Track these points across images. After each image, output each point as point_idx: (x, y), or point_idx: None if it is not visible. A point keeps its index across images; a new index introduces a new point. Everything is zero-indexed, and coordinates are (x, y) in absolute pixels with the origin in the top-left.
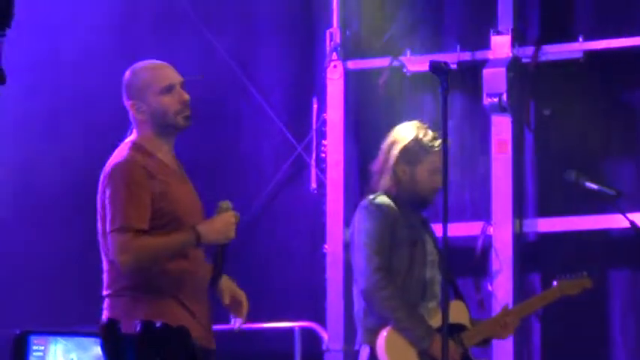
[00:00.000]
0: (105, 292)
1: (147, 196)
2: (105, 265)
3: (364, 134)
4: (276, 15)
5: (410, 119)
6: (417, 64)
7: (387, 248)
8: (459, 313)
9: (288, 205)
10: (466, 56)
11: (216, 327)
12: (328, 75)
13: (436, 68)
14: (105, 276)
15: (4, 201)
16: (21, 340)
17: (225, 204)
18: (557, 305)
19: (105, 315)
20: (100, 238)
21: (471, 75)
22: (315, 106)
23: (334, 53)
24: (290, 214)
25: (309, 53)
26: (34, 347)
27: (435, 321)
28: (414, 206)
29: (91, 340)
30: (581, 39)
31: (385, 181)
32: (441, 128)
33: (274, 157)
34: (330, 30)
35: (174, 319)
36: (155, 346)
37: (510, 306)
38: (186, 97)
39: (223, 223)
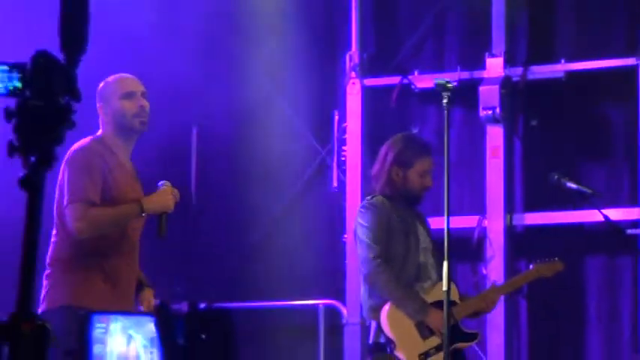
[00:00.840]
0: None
1: (99, 176)
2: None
3: (378, 141)
4: (304, 38)
5: (417, 129)
6: (423, 81)
7: (383, 238)
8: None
9: (313, 202)
10: (465, 75)
11: (252, 304)
12: (348, 91)
13: (440, 85)
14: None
15: None
16: (85, 319)
17: (166, 183)
18: (541, 288)
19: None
20: (55, 215)
21: (469, 91)
22: (336, 117)
23: (353, 72)
24: (315, 209)
25: (332, 72)
26: (97, 325)
27: (429, 297)
28: (408, 203)
29: (147, 318)
30: (563, 61)
31: (381, 183)
32: (444, 136)
33: (301, 160)
34: (350, 53)
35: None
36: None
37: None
38: (145, 104)
39: (162, 196)
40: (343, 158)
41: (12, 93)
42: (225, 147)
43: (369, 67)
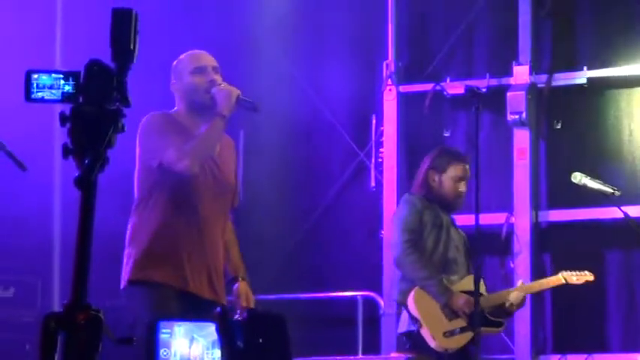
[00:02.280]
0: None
1: (175, 130)
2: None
3: (413, 144)
4: (343, 47)
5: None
6: (454, 88)
7: (415, 229)
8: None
9: (353, 200)
10: (493, 82)
11: (296, 295)
12: (384, 97)
13: (470, 92)
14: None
15: None
16: (152, 326)
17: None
18: None
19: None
20: (136, 189)
21: (497, 97)
22: (374, 121)
23: (389, 80)
24: (354, 207)
25: (370, 79)
26: (163, 330)
27: (455, 288)
28: (442, 208)
29: (208, 324)
30: (585, 68)
31: (419, 184)
32: (475, 139)
33: (341, 161)
34: (387, 61)
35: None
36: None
37: (527, 282)
38: (216, 78)
39: (222, 92)
40: (380, 159)
41: (66, 99)
42: (270, 149)
43: (404, 75)
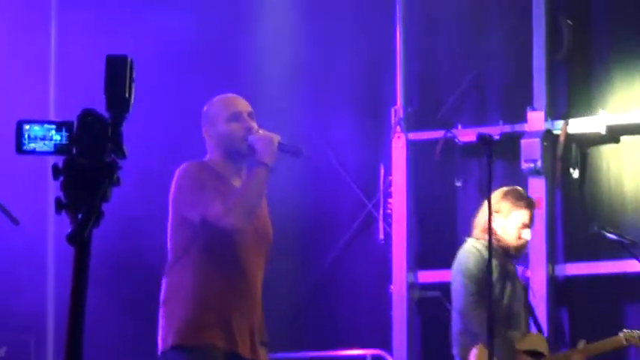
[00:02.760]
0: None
1: (213, 183)
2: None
3: (423, 194)
4: (351, 94)
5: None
6: (466, 135)
7: (481, 279)
8: (539, 342)
9: (361, 253)
10: (507, 129)
11: (302, 353)
12: (393, 144)
13: (483, 139)
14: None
15: None
16: None
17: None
18: (585, 333)
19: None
20: (170, 247)
21: (511, 144)
22: (382, 170)
23: (398, 126)
24: (362, 260)
25: (377, 126)
26: None
27: (519, 346)
28: (505, 255)
29: None
30: (602, 112)
31: (482, 230)
32: (486, 189)
33: (349, 212)
34: (395, 107)
35: None
36: None
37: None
38: (252, 125)
39: (262, 139)
40: (389, 211)
41: (59, 151)
42: (275, 199)
43: (414, 122)
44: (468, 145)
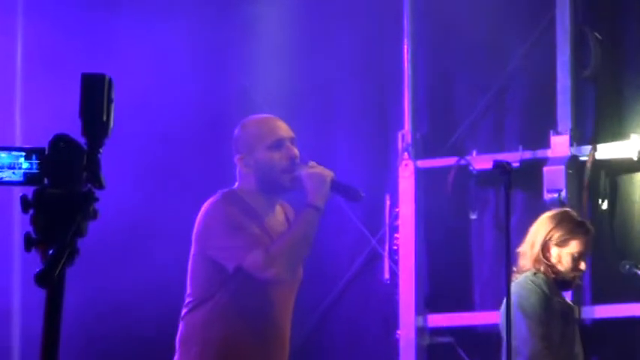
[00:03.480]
0: None
1: (247, 221)
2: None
3: (434, 227)
4: (353, 117)
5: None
6: (482, 162)
7: (546, 320)
8: None
9: (364, 294)
10: (527, 155)
11: None
12: (400, 173)
13: (499, 167)
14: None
15: None
16: None
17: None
18: None
19: None
20: (192, 289)
21: (532, 172)
22: (387, 202)
23: (405, 153)
24: (365, 302)
25: (383, 152)
26: None
27: None
28: (560, 286)
29: None
30: (632, 136)
31: (535, 258)
32: (504, 222)
33: (351, 249)
34: (402, 131)
35: None
36: None
37: None
38: (296, 152)
39: (313, 176)
40: (395, 247)
41: (29, 181)
42: None
43: (423, 147)
44: (483, 174)
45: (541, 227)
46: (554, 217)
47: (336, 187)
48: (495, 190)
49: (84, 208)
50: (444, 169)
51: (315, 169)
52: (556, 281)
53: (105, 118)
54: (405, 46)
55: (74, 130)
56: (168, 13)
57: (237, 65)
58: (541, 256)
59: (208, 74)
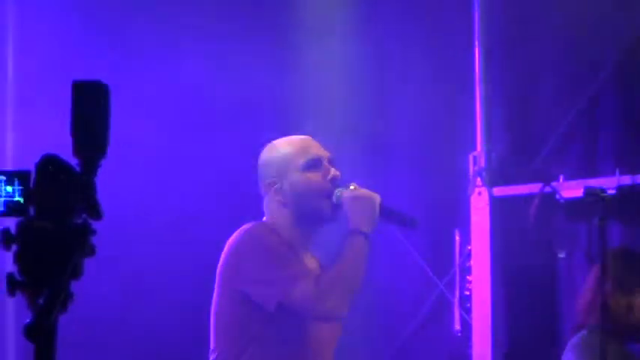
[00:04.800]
0: None
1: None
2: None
3: (513, 269)
4: (413, 140)
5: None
6: (571, 190)
7: None
8: None
9: (430, 348)
10: (626, 180)
11: None
12: (472, 203)
13: (592, 194)
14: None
15: None
16: None
17: (352, 185)
18: None
19: None
20: (218, 335)
21: (631, 201)
22: (457, 238)
23: (478, 179)
24: (432, 358)
25: (450, 181)
26: None
27: None
28: (629, 339)
29: None
30: None
31: (594, 314)
32: (599, 261)
33: (414, 295)
34: (474, 153)
35: None
36: None
37: None
38: (336, 174)
39: (358, 199)
40: (467, 292)
41: (12, 210)
42: None
43: (500, 172)
44: (572, 203)
45: (604, 271)
46: (618, 256)
47: (385, 212)
48: (588, 223)
49: (79, 244)
50: (526, 198)
51: (356, 189)
52: (626, 334)
53: (102, 135)
54: (477, 51)
55: (65, 150)
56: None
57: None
58: (608, 308)
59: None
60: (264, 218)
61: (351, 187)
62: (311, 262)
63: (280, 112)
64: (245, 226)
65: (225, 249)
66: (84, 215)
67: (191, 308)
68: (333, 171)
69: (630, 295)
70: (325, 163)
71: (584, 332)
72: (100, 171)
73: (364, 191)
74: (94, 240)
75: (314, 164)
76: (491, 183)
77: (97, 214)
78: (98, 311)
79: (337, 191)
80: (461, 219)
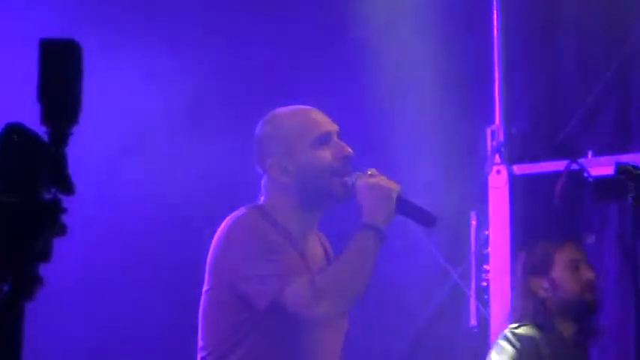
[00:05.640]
0: None
1: (282, 242)
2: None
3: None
4: (423, 111)
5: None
6: (600, 167)
7: None
8: None
9: (443, 346)
10: None
11: None
12: (490, 183)
13: (623, 172)
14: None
15: None
16: None
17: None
18: None
19: None
20: (207, 336)
21: None
22: (473, 222)
23: (497, 155)
24: (446, 356)
25: (464, 158)
26: None
27: None
28: (576, 317)
29: None
30: None
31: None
32: (630, 245)
33: (425, 286)
34: (492, 127)
35: None
36: None
37: None
38: (349, 151)
39: (377, 187)
40: (485, 283)
41: None
42: None
43: (521, 148)
44: (602, 182)
45: (517, 259)
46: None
47: (402, 205)
48: (619, 203)
49: (48, 223)
50: (550, 177)
51: (376, 179)
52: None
53: (74, 100)
54: (495, 13)
55: (32, 118)
56: None
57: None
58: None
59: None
60: (262, 199)
61: (369, 173)
62: (315, 251)
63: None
64: (237, 213)
65: (215, 238)
66: (53, 190)
67: (180, 302)
68: (345, 148)
69: (547, 273)
70: (335, 138)
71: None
72: (71, 140)
73: (382, 179)
74: (66, 218)
75: (324, 139)
76: (511, 160)
77: (68, 188)
78: (89, 307)
79: (354, 175)
80: (476, 200)
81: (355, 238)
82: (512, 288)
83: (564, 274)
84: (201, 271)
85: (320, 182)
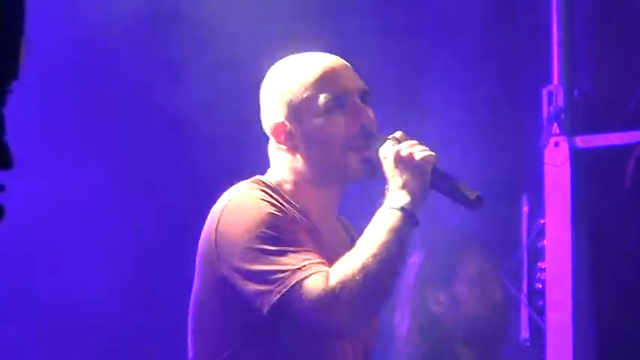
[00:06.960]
0: None
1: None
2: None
3: (603, 249)
4: (460, 74)
5: None
6: None
7: None
8: None
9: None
10: None
11: None
12: (547, 159)
13: None
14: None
15: None
16: None
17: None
18: None
19: None
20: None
21: None
22: (525, 208)
23: (555, 124)
24: None
25: (512, 126)
26: None
27: None
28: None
29: None
30: None
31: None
32: None
33: None
34: (549, 88)
35: None
36: None
37: None
38: (367, 118)
39: (407, 159)
40: (540, 285)
41: None
42: None
43: (585, 116)
44: None
45: None
46: None
47: (440, 180)
48: None
49: None
50: (620, 151)
51: (408, 146)
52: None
53: (11, 54)
54: None
55: None
56: None
57: None
58: None
59: None
60: (268, 171)
61: (397, 137)
62: (336, 239)
63: None
64: (233, 189)
65: (207, 223)
66: None
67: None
68: (364, 114)
69: (447, 286)
70: (356, 99)
71: None
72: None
73: (413, 146)
74: (3, 198)
75: (339, 102)
76: (573, 130)
77: (5, 160)
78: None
79: (377, 142)
80: (530, 181)
81: (380, 220)
82: (398, 298)
83: (467, 289)
84: (190, 266)
85: (331, 157)
